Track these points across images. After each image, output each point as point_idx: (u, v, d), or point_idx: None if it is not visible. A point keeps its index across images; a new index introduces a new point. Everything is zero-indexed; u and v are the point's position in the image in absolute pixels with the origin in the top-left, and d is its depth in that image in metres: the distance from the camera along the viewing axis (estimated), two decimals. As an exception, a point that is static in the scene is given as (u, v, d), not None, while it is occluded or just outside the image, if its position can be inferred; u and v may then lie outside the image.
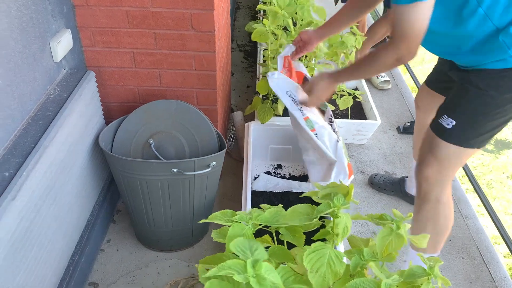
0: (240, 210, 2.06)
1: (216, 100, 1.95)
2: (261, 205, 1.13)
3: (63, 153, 1.44)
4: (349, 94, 2.46)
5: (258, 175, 2.17)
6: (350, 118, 2.54)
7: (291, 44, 1.93)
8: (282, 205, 1.10)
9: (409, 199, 2.19)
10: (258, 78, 2.61)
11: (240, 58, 3.53)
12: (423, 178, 1.49)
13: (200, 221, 1.14)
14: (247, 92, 3.06)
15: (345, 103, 2.42)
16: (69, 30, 1.62)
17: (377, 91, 3.13)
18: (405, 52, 1.30)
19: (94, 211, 1.81)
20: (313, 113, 1.75)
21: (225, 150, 1.64)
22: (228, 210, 1.09)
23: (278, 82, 1.78)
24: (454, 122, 1.39)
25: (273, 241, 1.09)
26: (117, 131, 1.73)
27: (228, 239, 0.96)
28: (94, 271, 1.77)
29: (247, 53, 3.62)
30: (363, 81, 2.85)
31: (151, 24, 1.72)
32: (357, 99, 2.59)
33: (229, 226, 1.00)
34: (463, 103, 1.39)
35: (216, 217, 1.07)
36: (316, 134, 1.68)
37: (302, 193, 1.87)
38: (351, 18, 1.76)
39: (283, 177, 2.19)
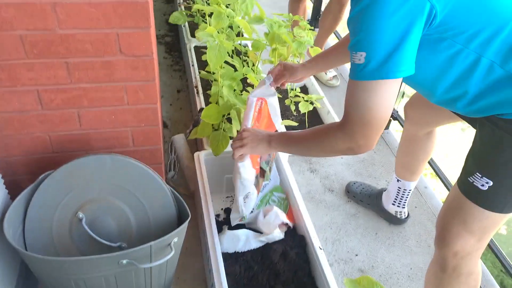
0: (204, 268, 1.64)
1: (160, 138, 1.51)
2: None
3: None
4: (306, 100, 2.13)
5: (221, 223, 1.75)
6: (308, 126, 2.22)
7: (269, 76, 1.57)
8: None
9: (384, 215, 1.96)
10: (194, 86, 2.16)
11: (162, 53, 2.98)
12: (450, 254, 1.17)
13: None
14: (179, 99, 2.58)
15: (305, 106, 2.11)
16: None
17: (325, 88, 2.81)
18: (362, 142, 1.02)
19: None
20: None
21: (188, 220, 1.22)
22: None
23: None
24: (491, 183, 1.06)
25: None
26: (29, 206, 1.23)
27: None
28: None
29: (168, 46, 3.07)
30: (313, 79, 2.53)
31: (61, 51, 1.21)
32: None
33: None
34: (500, 156, 1.04)
35: None
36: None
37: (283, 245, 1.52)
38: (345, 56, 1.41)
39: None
